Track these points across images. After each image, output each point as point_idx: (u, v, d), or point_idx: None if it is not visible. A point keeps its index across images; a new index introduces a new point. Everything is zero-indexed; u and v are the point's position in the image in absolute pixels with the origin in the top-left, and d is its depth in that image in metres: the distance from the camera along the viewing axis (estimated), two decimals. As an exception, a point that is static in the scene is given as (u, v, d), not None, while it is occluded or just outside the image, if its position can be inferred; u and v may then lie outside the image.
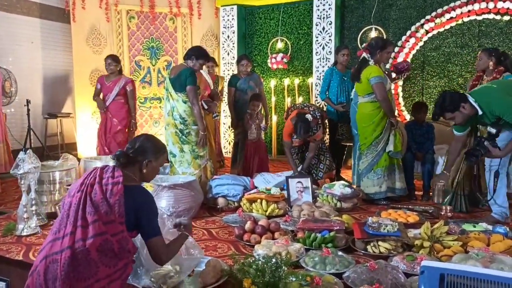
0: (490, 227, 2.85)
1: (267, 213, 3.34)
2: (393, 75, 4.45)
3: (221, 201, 3.59)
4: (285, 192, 3.67)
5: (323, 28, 6.00)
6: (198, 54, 3.75)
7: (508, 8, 4.89)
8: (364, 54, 3.80)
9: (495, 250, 2.31)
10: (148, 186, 3.49)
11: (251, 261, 2.07)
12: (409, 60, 5.62)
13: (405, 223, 2.99)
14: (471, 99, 2.84)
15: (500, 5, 4.89)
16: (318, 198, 3.69)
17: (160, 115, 6.59)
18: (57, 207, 3.17)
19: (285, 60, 6.43)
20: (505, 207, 3.13)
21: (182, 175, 3.63)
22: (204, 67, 4.38)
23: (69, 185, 3.19)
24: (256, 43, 6.79)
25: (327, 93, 4.68)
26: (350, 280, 2.07)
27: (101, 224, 1.67)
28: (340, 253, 2.39)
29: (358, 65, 3.85)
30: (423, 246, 2.47)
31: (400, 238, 2.52)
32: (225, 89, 5.51)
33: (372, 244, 2.54)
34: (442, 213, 3.12)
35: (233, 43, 6.71)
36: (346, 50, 4.63)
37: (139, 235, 1.88)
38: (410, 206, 3.53)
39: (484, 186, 3.48)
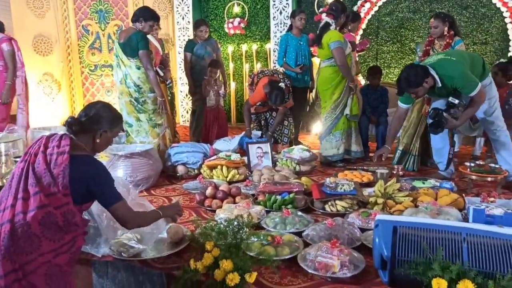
0: (438, 183, 3.05)
1: (227, 179, 3.35)
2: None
3: (180, 169, 3.55)
4: (245, 158, 3.69)
5: (281, -9, 5.89)
6: (146, 15, 3.53)
7: (457, -26, 5.03)
8: (327, 19, 3.78)
9: (442, 204, 2.48)
10: (103, 156, 3.38)
11: (213, 225, 2.08)
12: (364, 25, 5.70)
13: (360, 182, 3.12)
14: (432, 72, 2.91)
15: (450, -30, 5.02)
16: (277, 163, 3.75)
17: (113, 84, 6.30)
18: (4, 180, 2.99)
19: (242, 25, 6.30)
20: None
21: (139, 144, 3.53)
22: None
23: (17, 157, 3.01)
24: (212, 7, 6.57)
25: (284, 59, 4.65)
26: (310, 238, 2.14)
27: (43, 196, 1.55)
28: (299, 213, 2.46)
29: (320, 30, 3.83)
30: (377, 202, 2.60)
31: (355, 196, 2.63)
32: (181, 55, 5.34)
33: (329, 203, 2.64)
34: (394, 172, 3.28)
35: (188, 7, 6.45)
36: (302, 14, 4.58)
37: (97, 203, 1.81)
38: (365, 167, 3.68)
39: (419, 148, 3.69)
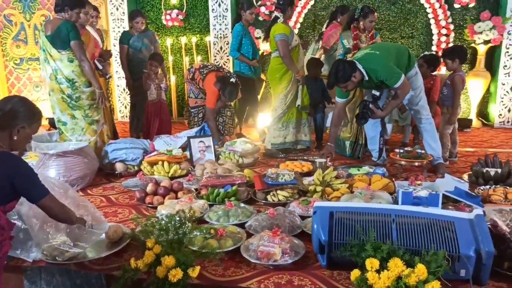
0: (371, 170, 3.23)
1: (169, 175, 3.29)
2: None
3: (119, 166, 3.42)
4: (187, 152, 3.64)
5: (218, -16, 5.84)
6: (70, 2, 3.26)
7: (385, -29, 5.32)
8: (275, 13, 3.85)
9: (375, 188, 2.64)
10: (32, 156, 3.16)
11: (154, 221, 2.04)
12: (301, 19, 5.83)
13: (301, 172, 3.22)
14: (359, 66, 3.09)
15: (379, -33, 5.28)
16: (220, 156, 3.74)
17: (43, 78, 5.87)
18: None
19: (180, 17, 6.15)
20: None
21: (72, 142, 3.33)
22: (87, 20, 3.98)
23: None
24: (148, -3, 6.34)
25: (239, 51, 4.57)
26: (252, 228, 2.18)
27: None
28: (242, 205, 2.49)
29: (270, 23, 3.94)
30: (316, 190, 2.70)
31: (296, 186, 2.71)
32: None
33: (271, 193, 2.70)
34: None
35: (122, -3, 6.17)
36: (254, 8, 4.61)
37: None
38: (305, 157, 3.80)
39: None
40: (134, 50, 4.53)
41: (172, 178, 3.19)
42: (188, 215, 2.07)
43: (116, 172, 3.40)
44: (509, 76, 5.22)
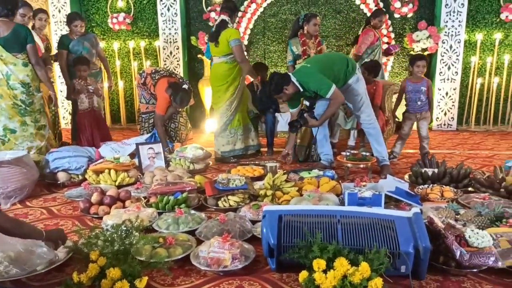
0: (321, 172, 3.32)
1: (116, 183, 3.17)
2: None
3: (61, 176, 3.24)
4: (135, 159, 3.54)
5: (167, -12, 5.76)
6: (14, 4, 3.15)
7: (331, -19, 5.54)
8: (223, 17, 3.81)
9: (323, 191, 2.72)
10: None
11: (98, 232, 1.95)
12: (251, 25, 5.90)
13: (252, 177, 3.24)
14: (293, 79, 3.24)
15: (324, -23, 5.49)
16: (170, 163, 3.68)
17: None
18: None
19: (128, 20, 6.00)
20: (330, 154, 3.68)
21: (9, 151, 3.12)
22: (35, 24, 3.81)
23: None
24: (92, 0, 6.11)
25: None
26: (203, 235, 2.16)
27: None
28: (193, 211, 2.45)
29: (216, 26, 3.83)
30: (266, 194, 2.73)
31: (247, 191, 2.72)
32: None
33: (222, 199, 2.69)
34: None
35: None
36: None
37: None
38: (256, 162, 3.83)
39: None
40: (74, 55, 4.31)
41: (119, 186, 3.08)
42: (135, 224, 2.01)
43: (59, 182, 3.22)
44: (444, 82, 5.61)
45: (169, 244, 1.98)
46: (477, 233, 1.81)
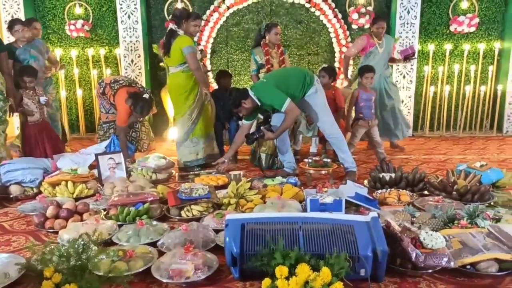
0: (285, 179, 3.36)
1: (74, 195, 3.06)
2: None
3: (14, 189, 3.08)
4: (95, 170, 3.43)
5: (128, -4, 5.66)
6: None
7: (291, -8, 5.67)
8: (171, 25, 3.77)
9: (286, 197, 2.75)
10: None
11: (54, 248, 1.87)
12: (214, 34, 5.91)
13: (216, 185, 3.22)
14: (251, 93, 3.32)
15: (285, -12, 5.61)
16: (132, 173, 3.59)
17: None
18: None
19: (86, 27, 5.83)
20: (292, 162, 3.73)
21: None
22: None
23: None
24: (49, 6, 5.90)
25: None
26: (165, 246, 2.12)
27: None
28: (155, 222, 2.41)
29: (167, 36, 3.77)
30: (230, 203, 2.73)
31: (210, 200, 2.71)
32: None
33: (185, 209, 2.65)
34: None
35: (18, 5, 5.66)
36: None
37: None
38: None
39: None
40: (21, 64, 4.03)
41: (77, 199, 2.97)
42: (93, 238, 1.94)
43: (11, 196, 3.06)
44: (400, 90, 5.81)
45: (129, 257, 1.92)
46: (431, 235, 1.89)
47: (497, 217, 2.33)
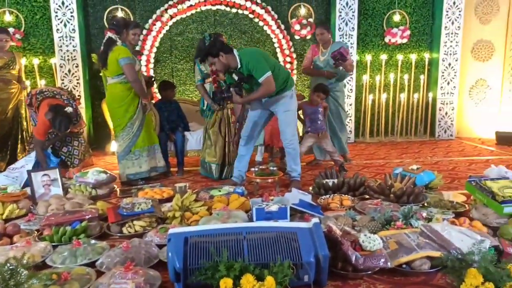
0: (231, 189, 3.34)
1: (4, 216, 2.82)
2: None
3: None
4: (27, 189, 3.19)
5: (63, 3, 5.39)
6: None
7: (235, 2, 5.72)
8: (110, 34, 3.65)
9: (232, 208, 2.73)
10: None
11: (-24, 276, 1.70)
12: (157, 43, 5.80)
13: (160, 199, 3.13)
14: (236, 53, 3.23)
15: (229, -2, 5.66)
16: (69, 189, 3.39)
17: None
18: None
19: (18, 36, 5.47)
20: (243, 171, 3.69)
21: None
22: None
23: None
24: (-26, 12, 5.47)
25: None
26: (104, 266, 2.01)
27: None
28: (93, 241, 2.28)
29: (104, 46, 3.65)
30: (175, 216, 2.65)
31: (153, 214, 2.62)
32: None
33: (127, 225, 2.55)
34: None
35: None
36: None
37: None
38: (165, 183, 3.72)
39: (232, 157, 4.00)
40: None
41: (7, 220, 2.74)
42: (23, 261, 1.80)
43: None
44: (347, 98, 6.05)
45: (64, 280, 1.80)
46: (369, 237, 1.97)
47: (429, 217, 2.48)
